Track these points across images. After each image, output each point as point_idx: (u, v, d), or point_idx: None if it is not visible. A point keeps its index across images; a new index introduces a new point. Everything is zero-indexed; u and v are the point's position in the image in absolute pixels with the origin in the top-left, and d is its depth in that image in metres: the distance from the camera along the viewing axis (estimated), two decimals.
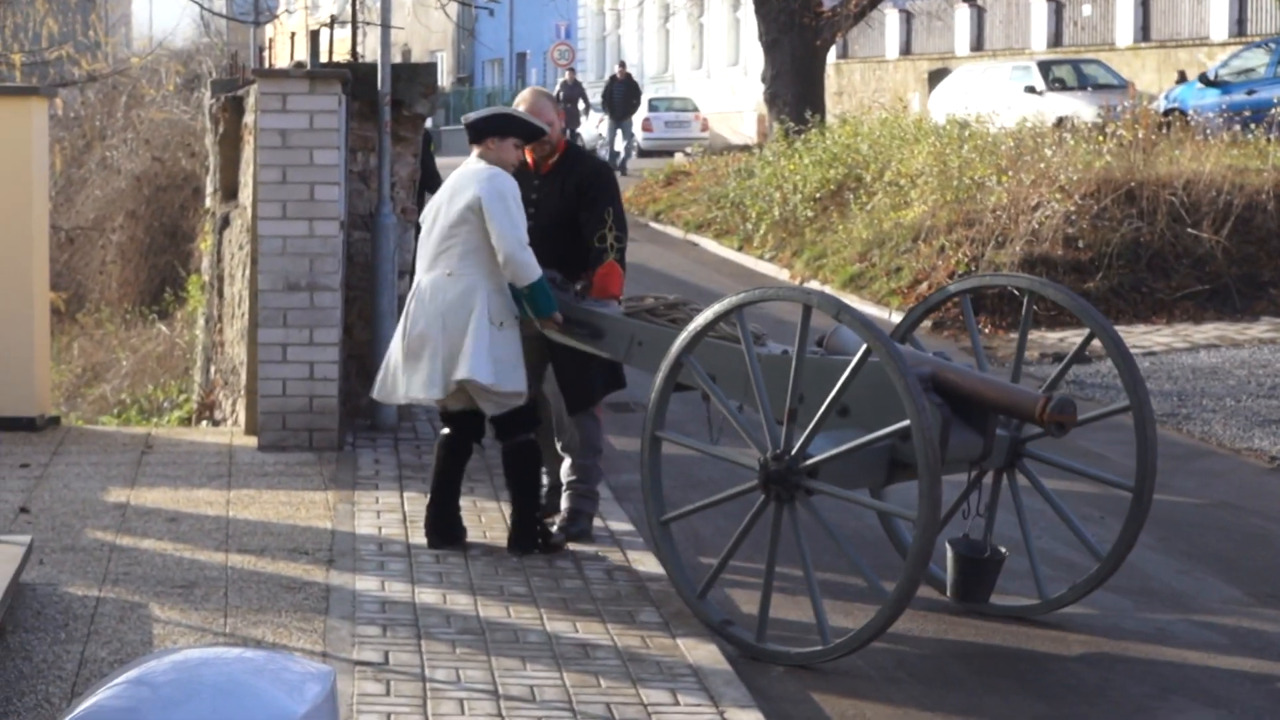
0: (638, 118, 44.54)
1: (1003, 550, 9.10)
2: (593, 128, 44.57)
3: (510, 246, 9.15)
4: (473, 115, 9.61)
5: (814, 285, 23.14)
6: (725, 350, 8.77)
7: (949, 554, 9.04)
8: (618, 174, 38.45)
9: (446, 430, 9.68)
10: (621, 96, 40.80)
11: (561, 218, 9.74)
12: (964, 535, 9.06)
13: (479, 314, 9.22)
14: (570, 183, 9.82)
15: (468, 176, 9.41)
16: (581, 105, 42.02)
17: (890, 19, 44.51)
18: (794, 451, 8.14)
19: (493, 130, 9.50)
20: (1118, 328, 19.05)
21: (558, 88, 43.48)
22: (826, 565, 9.28)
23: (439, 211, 9.45)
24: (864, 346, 7.99)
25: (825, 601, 8.34)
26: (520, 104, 9.99)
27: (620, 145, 40.48)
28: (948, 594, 9.13)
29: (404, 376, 9.43)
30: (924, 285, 20.64)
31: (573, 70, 46.23)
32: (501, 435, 9.55)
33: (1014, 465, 9.04)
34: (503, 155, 9.45)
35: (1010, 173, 21.78)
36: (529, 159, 9.84)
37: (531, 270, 9.19)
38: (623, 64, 44.35)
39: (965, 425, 8.50)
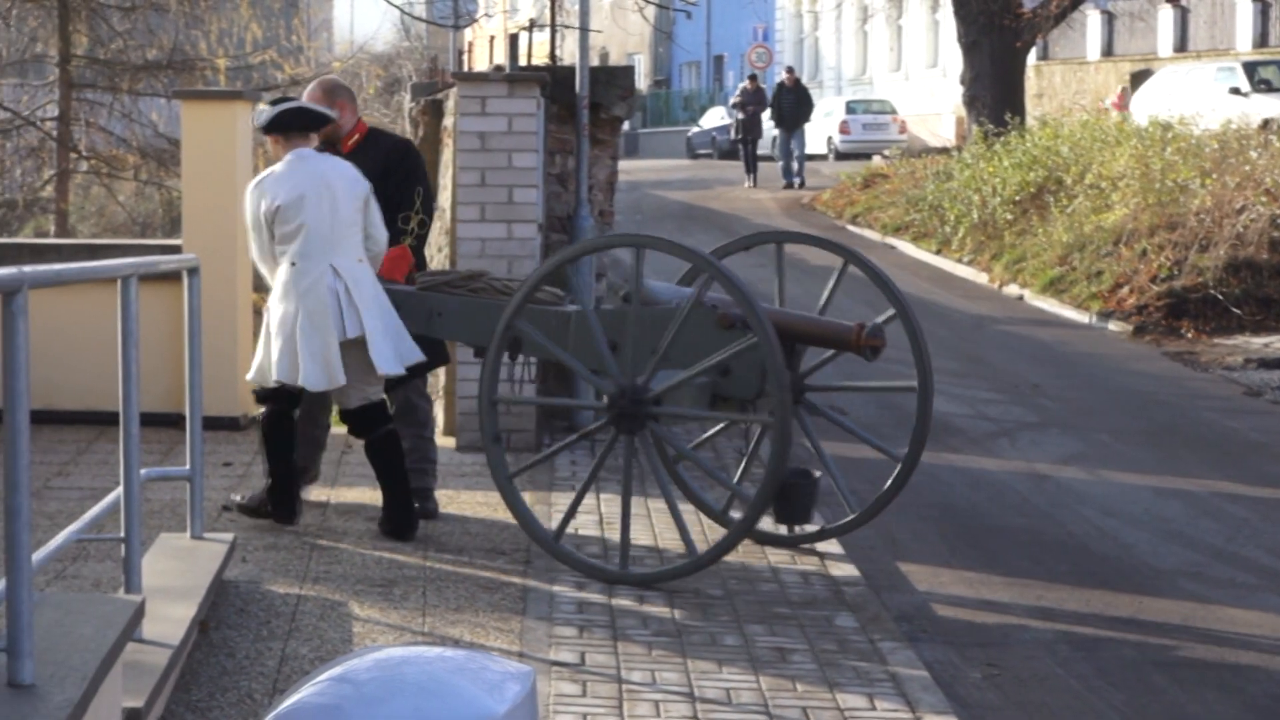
0: (817, 129, 42.90)
1: (815, 473, 9.62)
2: None
3: (385, 239, 9.51)
4: (318, 109, 9.48)
5: (1013, 288, 22.94)
6: (536, 313, 9.18)
7: None
8: (796, 187, 37.65)
9: (270, 407, 9.49)
10: (791, 106, 37.50)
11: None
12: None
13: (389, 304, 9.41)
14: (375, 159, 9.82)
15: (339, 166, 9.41)
16: (764, 114, 39.46)
17: (1091, 20, 43.95)
18: (639, 384, 8.81)
19: (320, 124, 9.47)
20: None
21: (737, 94, 42.09)
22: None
23: (334, 195, 9.24)
24: (691, 296, 8.78)
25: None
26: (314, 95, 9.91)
27: (795, 159, 37.71)
28: (773, 522, 9.71)
29: (328, 362, 9.19)
30: (1125, 289, 20.40)
31: (754, 77, 42.98)
32: (361, 431, 9.54)
33: (799, 401, 9.49)
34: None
35: (1214, 175, 21.45)
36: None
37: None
38: (791, 70, 41.26)
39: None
